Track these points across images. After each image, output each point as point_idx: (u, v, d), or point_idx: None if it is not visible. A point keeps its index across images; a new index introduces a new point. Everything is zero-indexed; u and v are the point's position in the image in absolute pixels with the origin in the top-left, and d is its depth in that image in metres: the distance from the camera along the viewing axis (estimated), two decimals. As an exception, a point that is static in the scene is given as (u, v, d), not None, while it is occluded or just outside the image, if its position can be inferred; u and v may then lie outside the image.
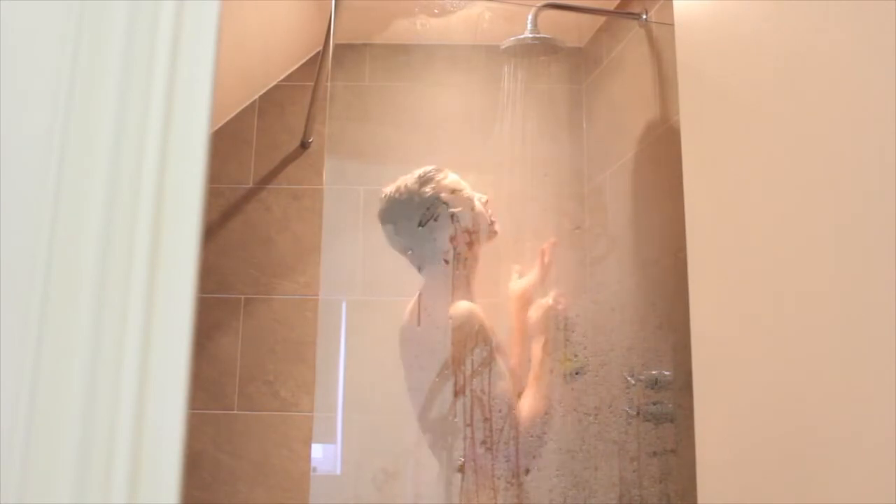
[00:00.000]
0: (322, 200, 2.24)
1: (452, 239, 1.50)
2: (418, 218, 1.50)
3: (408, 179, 1.53)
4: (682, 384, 1.51)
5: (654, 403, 1.58)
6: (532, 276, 1.65)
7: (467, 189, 1.56)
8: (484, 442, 1.41)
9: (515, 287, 1.65)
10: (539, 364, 1.51)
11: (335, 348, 1.97)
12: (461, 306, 1.47)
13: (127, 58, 0.54)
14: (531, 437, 1.43)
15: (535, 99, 1.91)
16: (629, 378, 1.62)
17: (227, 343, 2.21)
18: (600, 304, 1.89)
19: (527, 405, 1.45)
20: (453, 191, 1.53)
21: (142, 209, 0.52)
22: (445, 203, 1.51)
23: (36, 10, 0.55)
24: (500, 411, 1.42)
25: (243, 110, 2.35)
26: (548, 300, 1.59)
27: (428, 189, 1.51)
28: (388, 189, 1.55)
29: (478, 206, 1.56)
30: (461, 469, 1.42)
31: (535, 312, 1.58)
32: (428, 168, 1.54)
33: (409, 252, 1.55)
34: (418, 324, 1.50)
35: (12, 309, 0.50)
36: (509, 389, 1.43)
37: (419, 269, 1.55)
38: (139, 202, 0.52)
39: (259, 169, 2.32)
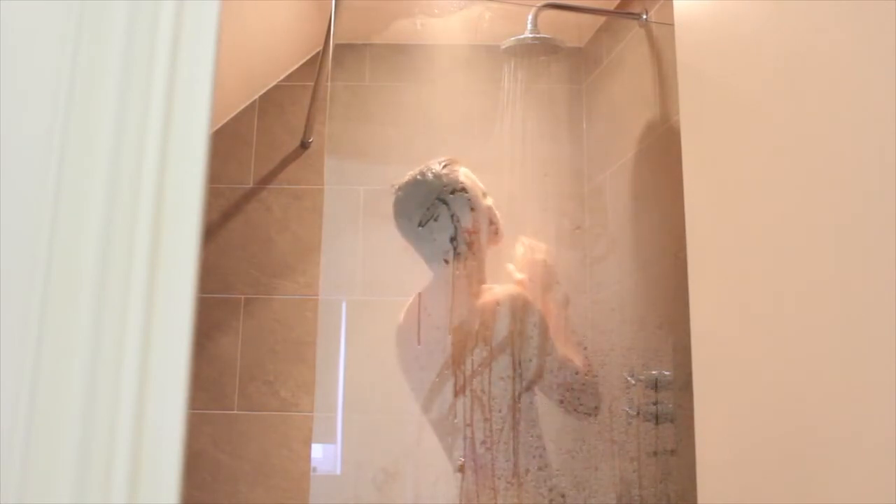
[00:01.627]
0: (322, 200, 2.24)
1: (452, 239, 1.50)
2: (423, 212, 1.50)
3: (430, 165, 1.53)
4: (682, 384, 1.51)
5: (654, 403, 1.58)
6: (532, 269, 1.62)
7: (478, 182, 1.56)
8: (484, 442, 1.41)
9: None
10: (564, 318, 1.51)
11: (335, 348, 1.97)
12: (505, 289, 1.47)
13: (127, 58, 0.54)
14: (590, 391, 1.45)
15: (535, 99, 1.91)
16: (629, 378, 1.62)
17: (227, 343, 2.20)
18: (600, 304, 1.89)
19: (575, 358, 1.46)
20: (468, 178, 1.53)
21: (142, 209, 0.52)
22: (446, 203, 1.51)
23: (36, 10, 0.55)
24: (499, 411, 1.42)
25: (243, 110, 2.35)
26: (528, 253, 1.57)
27: (449, 172, 1.51)
28: (409, 175, 1.53)
29: (486, 200, 1.55)
30: (461, 469, 1.42)
31: (528, 271, 1.56)
32: (442, 159, 1.54)
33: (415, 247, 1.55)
34: (418, 323, 1.50)
35: (12, 309, 0.50)
36: (569, 360, 1.45)
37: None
38: (139, 202, 0.52)
39: (259, 169, 2.32)
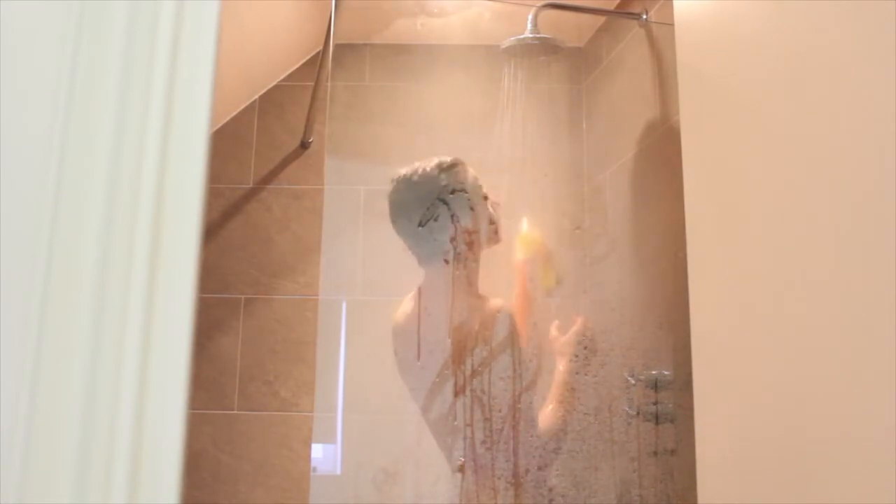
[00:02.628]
0: (322, 200, 2.24)
1: (452, 239, 1.50)
2: (422, 211, 1.50)
3: (430, 163, 1.52)
4: (682, 384, 1.51)
5: (654, 403, 1.58)
6: (570, 337, 1.62)
7: (480, 185, 1.55)
8: (484, 442, 1.41)
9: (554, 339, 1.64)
10: (563, 383, 1.52)
11: (335, 348, 1.97)
12: (500, 303, 1.47)
13: (127, 58, 0.54)
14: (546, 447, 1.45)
15: (535, 99, 1.91)
16: (629, 378, 1.62)
17: (227, 343, 2.20)
18: (600, 304, 1.89)
19: (548, 417, 1.46)
20: (465, 182, 1.53)
21: (142, 209, 0.52)
22: (446, 203, 1.50)
23: (36, 10, 0.55)
24: (499, 411, 1.42)
25: (243, 110, 2.35)
26: (575, 324, 1.59)
27: (450, 171, 1.51)
28: (402, 171, 1.53)
29: (486, 201, 1.55)
30: (461, 469, 1.42)
31: (561, 333, 1.59)
32: (445, 158, 1.54)
33: (411, 247, 1.55)
34: (418, 321, 1.50)
35: (12, 309, 0.50)
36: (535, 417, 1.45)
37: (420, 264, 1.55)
38: (139, 202, 0.52)
39: (259, 169, 2.32)
